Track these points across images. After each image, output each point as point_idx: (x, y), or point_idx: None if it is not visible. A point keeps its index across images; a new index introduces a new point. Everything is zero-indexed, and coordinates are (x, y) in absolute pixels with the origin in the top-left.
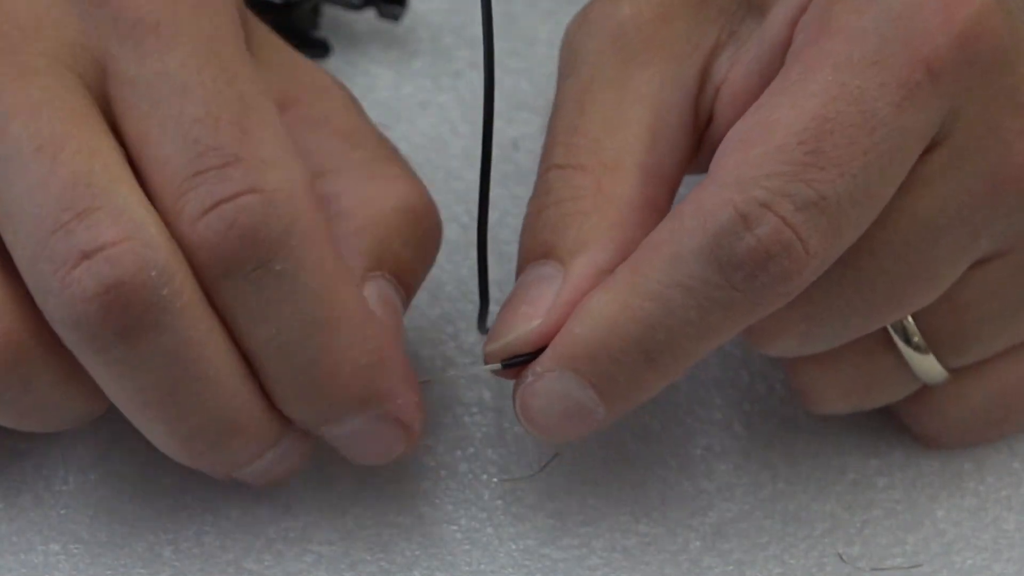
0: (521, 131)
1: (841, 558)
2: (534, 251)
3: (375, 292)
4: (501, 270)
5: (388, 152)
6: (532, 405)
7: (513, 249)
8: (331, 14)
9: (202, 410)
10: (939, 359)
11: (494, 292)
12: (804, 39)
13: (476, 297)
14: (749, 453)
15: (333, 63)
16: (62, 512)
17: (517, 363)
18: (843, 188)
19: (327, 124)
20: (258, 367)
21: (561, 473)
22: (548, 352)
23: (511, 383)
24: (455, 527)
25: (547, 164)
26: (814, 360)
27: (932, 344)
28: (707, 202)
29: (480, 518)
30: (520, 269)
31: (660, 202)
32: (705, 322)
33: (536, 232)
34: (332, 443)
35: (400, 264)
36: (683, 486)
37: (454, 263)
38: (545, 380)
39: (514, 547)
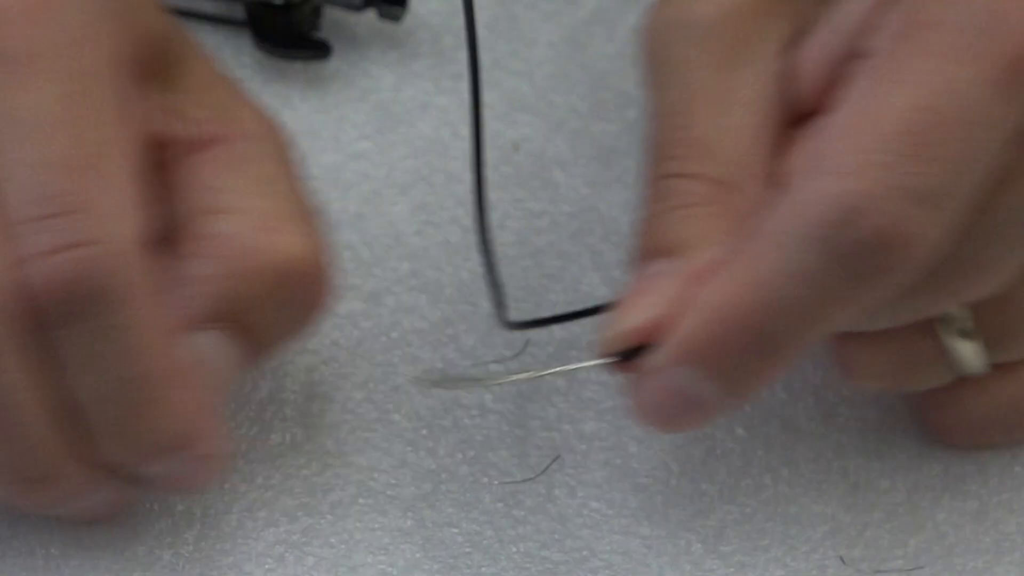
0: (522, 133)
1: (842, 560)
2: (652, 250)
3: (203, 345)
4: (503, 272)
5: (295, 209)
6: (653, 401)
7: (515, 251)
8: (332, 16)
9: (11, 455)
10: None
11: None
12: (892, 29)
13: (477, 300)
14: (750, 455)
15: (334, 65)
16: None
17: (633, 356)
18: (950, 180)
19: (243, 167)
20: (82, 412)
21: (562, 476)
22: (669, 347)
23: (511, 388)
24: (456, 530)
25: (661, 172)
26: (860, 336)
27: (981, 333)
28: (818, 191)
29: (481, 521)
30: (635, 267)
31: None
32: (822, 309)
33: (654, 233)
34: (150, 480)
35: (250, 321)
36: (684, 489)
37: (454, 266)
38: (664, 375)
39: (515, 550)
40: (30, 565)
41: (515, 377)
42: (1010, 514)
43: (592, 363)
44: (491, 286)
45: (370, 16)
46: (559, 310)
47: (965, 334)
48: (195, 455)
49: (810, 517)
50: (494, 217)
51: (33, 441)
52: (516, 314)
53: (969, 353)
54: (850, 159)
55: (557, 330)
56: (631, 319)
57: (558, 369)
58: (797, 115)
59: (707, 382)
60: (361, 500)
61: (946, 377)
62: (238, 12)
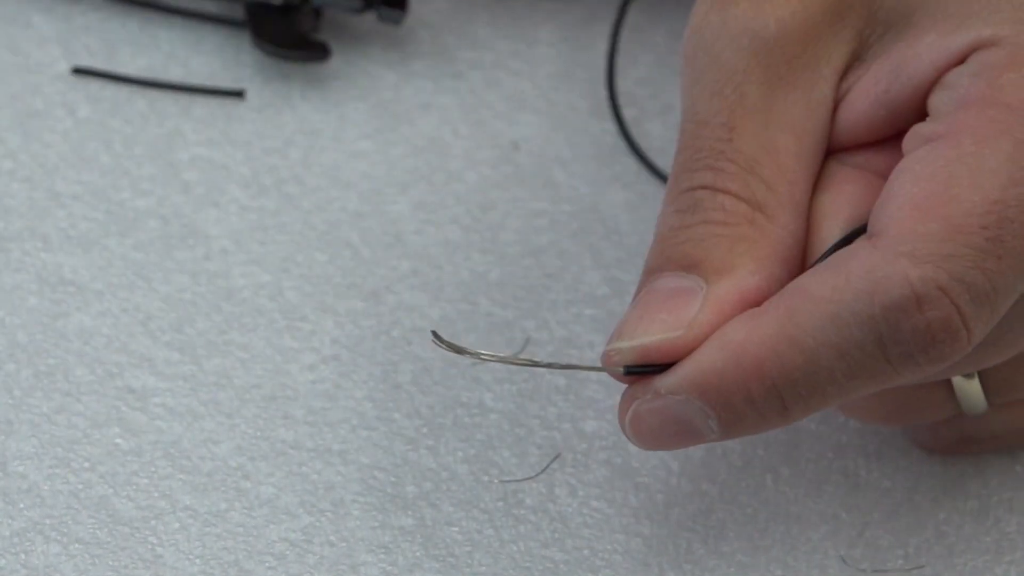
0: (522, 132)
1: (843, 560)
2: (674, 261)
3: None
4: (502, 271)
5: None
6: (646, 421)
7: (515, 251)
8: (332, 15)
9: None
10: (985, 395)
11: (494, 294)
12: (966, 96)
13: (476, 299)
14: (751, 455)
15: (334, 64)
16: (63, 512)
17: (640, 372)
18: (1011, 280)
19: None
20: None
21: (563, 475)
22: (679, 374)
23: (512, 387)
24: (456, 529)
25: (693, 183)
26: None
27: (981, 381)
28: (879, 269)
29: (481, 520)
30: (651, 274)
31: (801, 234)
32: (848, 384)
33: (679, 243)
34: None
35: None
36: (685, 488)
37: (454, 264)
38: (667, 401)
39: (515, 549)
40: (31, 564)
41: (517, 361)
42: (1010, 513)
43: (596, 368)
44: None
45: (370, 17)
46: (559, 309)
47: (968, 375)
48: None
49: (811, 517)
50: (494, 217)
51: None
52: (516, 313)
53: (973, 396)
54: (918, 244)
55: (557, 328)
56: (645, 335)
57: (563, 365)
58: (841, 144)
59: (707, 418)
60: (362, 498)
61: (947, 414)
62: (238, 12)
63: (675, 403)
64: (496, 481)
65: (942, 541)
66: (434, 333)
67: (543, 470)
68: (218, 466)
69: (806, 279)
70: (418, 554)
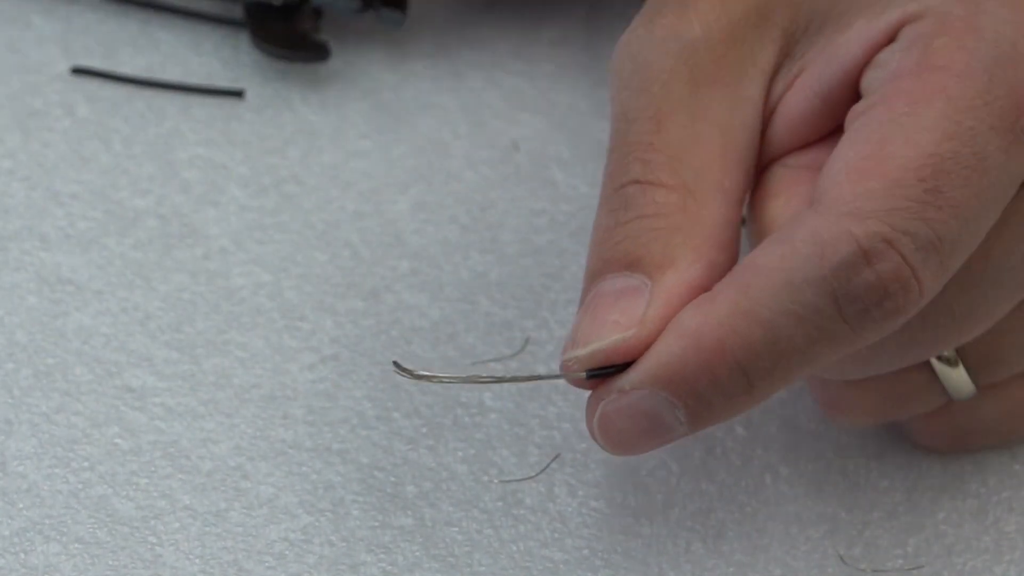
0: (521, 132)
1: (842, 560)
2: (615, 262)
3: None
4: (502, 271)
5: None
6: (614, 422)
7: (515, 251)
8: (332, 16)
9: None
10: (969, 375)
11: (495, 294)
12: (901, 68)
13: (476, 298)
14: (750, 455)
15: (333, 64)
16: (63, 512)
17: (601, 374)
18: (956, 229)
19: None
20: None
21: (562, 475)
22: (639, 369)
23: (511, 386)
24: (456, 529)
25: (624, 179)
26: (847, 381)
27: (965, 362)
28: (824, 231)
29: (481, 520)
30: (594, 278)
31: (736, 222)
32: (809, 351)
33: (617, 243)
34: None
35: None
36: (684, 488)
37: (453, 264)
38: (631, 398)
39: (515, 549)
40: (30, 563)
41: (479, 379)
42: (1009, 513)
43: (555, 376)
44: None
45: (370, 18)
46: (559, 309)
47: (950, 362)
48: None
49: (810, 516)
50: (493, 216)
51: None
52: (516, 313)
53: (957, 380)
54: (859, 203)
55: (556, 328)
56: (599, 339)
57: (525, 378)
58: (785, 147)
59: (675, 409)
60: (361, 498)
61: (938, 401)
62: (237, 12)
63: (640, 398)
64: (496, 481)
65: (941, 541)
66: (395, 363)
67: (543, 470)
68: (217, 466)
69: (754, 255)
70: (418, 554)
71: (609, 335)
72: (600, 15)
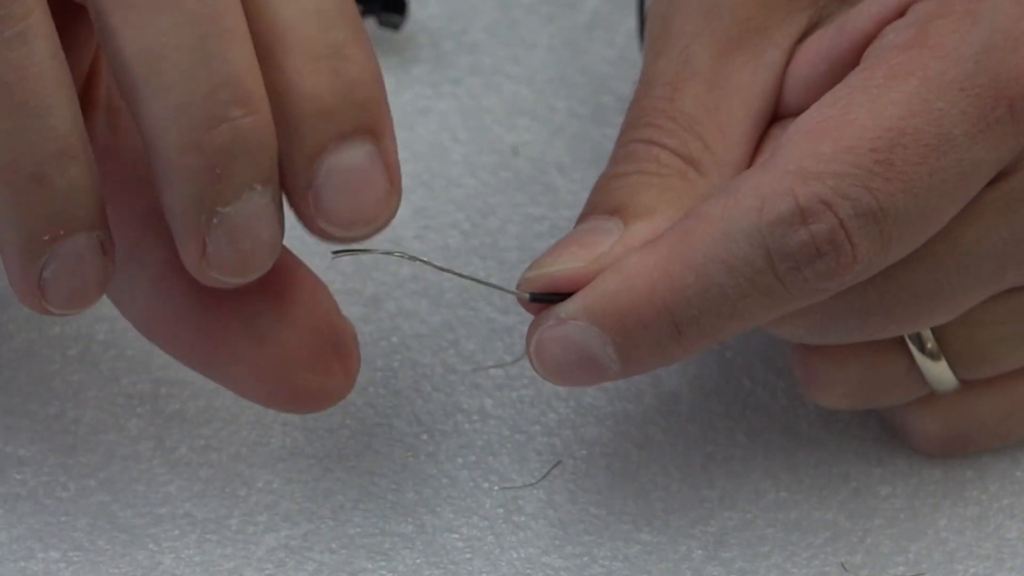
0: (521, 137)
1: (843, 567)
2: (602, 207)
3: None
4: (501, 276)
5: None
6: (548, 349)
7: (515, 256)
8: None
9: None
10: (951, 369)
11: (495, 300)
12: (894, 42)
13: (477, 304)
14: (751, 461)
15: None
16: (62, 519)
17: (545, 300)
18: (903, 204)
19: None
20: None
21: (563, 481)
22: (577, 299)
23: (512, 393)
24: (456, 535)
25: (633, 137)
26: (823, 351)
27: (946, 354)
28: (767, 186)
29: (481, 526)
30: (581, 220)
31: None
32: (739, 304)
33: (609, 192)
34: (321, 190)
35: None
36: (685, 494)
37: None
38: (567, 327)
39: (516, 556)
40: (29, 570)
41: (427, 262)
42: (1011, 520)
43: (508, 290)
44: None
45: (369, 23)
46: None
47: (933, 355)
48: (380, 150)
49: (811, 523)
50: (493, 222)
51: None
52: (517, 319)
53: (937, 372)
54: (807, 162)
55: None
56: (552, 266)
57: (482, 281)
58: (788, 110)
59: (606, 346)
60: (362, 505)
61: (918, 391)
62: None
63: (574, 329)
64: (496, 487)
65: (943, 547)
66: (333, 252)
67: (543, 476)
68: (217, 472)
69: (702, 205)
70: (418, 561)
71: (562, 262)
72: (600, 21)
